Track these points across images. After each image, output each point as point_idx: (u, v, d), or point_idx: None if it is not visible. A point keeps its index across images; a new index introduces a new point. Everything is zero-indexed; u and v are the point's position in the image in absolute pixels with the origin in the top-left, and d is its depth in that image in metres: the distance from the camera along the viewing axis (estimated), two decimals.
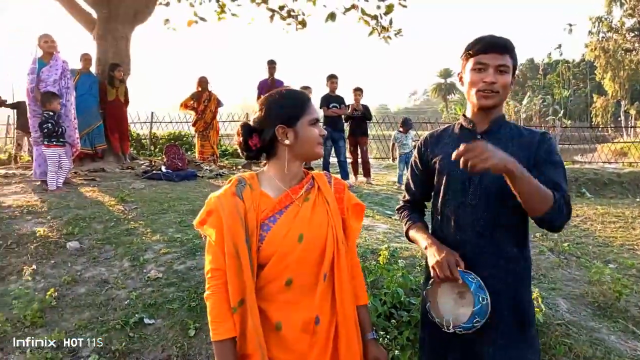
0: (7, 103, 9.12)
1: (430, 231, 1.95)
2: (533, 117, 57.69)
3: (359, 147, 8.92)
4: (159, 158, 9.81)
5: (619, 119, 48.10)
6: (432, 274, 1.73)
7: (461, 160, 1.50)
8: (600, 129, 33.74)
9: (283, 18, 10.98)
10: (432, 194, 1.95)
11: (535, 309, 3.01)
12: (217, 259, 1.55)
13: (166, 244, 4.18)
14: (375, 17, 10.52)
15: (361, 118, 8.80)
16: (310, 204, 1.63)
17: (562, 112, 57.06)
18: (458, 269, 1.68)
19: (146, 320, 3.20)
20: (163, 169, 7.38)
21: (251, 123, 1.66)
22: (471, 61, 1.77)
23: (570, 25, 59.51)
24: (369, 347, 1.73)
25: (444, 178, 1.84)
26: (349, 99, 8.79)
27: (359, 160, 9.02)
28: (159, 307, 3.32)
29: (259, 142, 1.63)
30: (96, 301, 3.42)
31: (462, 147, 1.50)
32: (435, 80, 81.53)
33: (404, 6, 10.22)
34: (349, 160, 8.97)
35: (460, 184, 1.79)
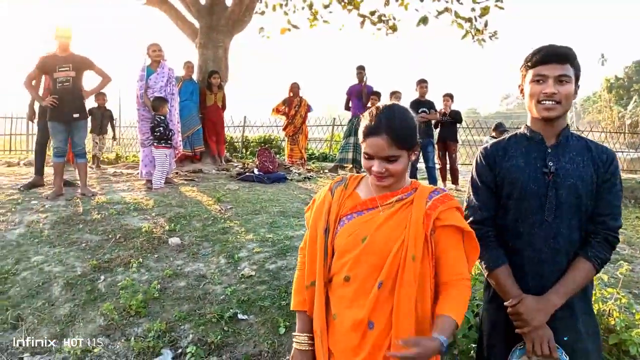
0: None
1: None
2: (639, 123, 52.98)
3: (447, 153, 8.75)
4: (251, 161, 10.21)
5: None
6: (527, 347, 1.70)
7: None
8: None
9: (374, 23, 11.02)
10: (500, 207, 1.86)
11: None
12: (305, 241, 1.80)
13: (259, 244, 4.35)
14: (469, 20, 10.25)
15: (451, 123, 8.64)
16: (390, 212, 1.65)
17: None
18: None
19: (240, 316, 3.34)
20: (255, 171, 7.67)
21: None
22: (530, 73, 1.77)
23: None
24: (424, 339, 1.49)
25: (517, 192, 1.79)
26: (439, 104, 8.67)
27: (447, 167, 8.85)
28: (251, 304, 3.45)
29: None
30: (194, 295, 3.62)
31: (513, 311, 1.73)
32: None
33: (501, 8, 9.86)
34: (437, 167, 8.82)
35: (536, 199, 1.76)
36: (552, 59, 1.71)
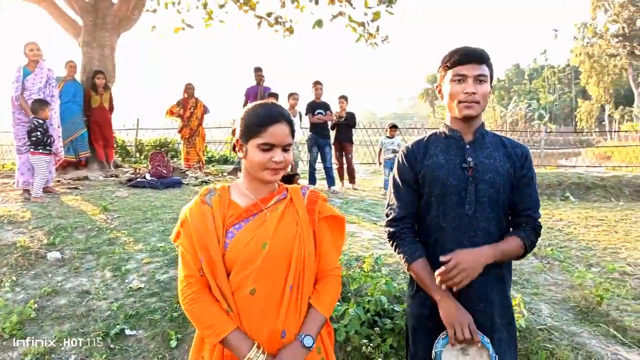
0: None
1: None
2: (519, 121, 58.24)
3: (344, 154, 8.95)
4: (144, 165, 9.75)
5: (603, 123, 48.77)
6: (449, 333, 1.71)
7: (449, 281, 1.69)
8: (584, 133, 34.14)
9: (271, 25, 11.01)
10: (422, 205, 1.90)
11: (517, 315, 3.05)
12: (190, 267, 1.56)
13: (149, 254, 4.15)
14: (362, 24, 10.59)
15: (346, 125, 8.83)
16: (279, 214, 1.62)
17: (547, 116, 57.69)
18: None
19: (127, 332, 3.17)
20: (147, 176, 7.33)
21: None
22: (450, 73, 1.80)
23: (556, 31, 60.46)
24: (287, 345, 1.54)
25: (439, 188, 1.82)
26: (337, 106, 8.84)
27: (345, 167, 9.06)
28: (140, 318, 3.28)
29: (234, 150, 1.70)
30: (77, 312, 3.38)
31: (440, 272, 1.70)
32: (422, 86, 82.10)
33: (391, 13, 10.31)
34: (335, 167, 9.00)
35: (456, 194, 1.80)
36: (471, 59, 1.76)
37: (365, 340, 2.93)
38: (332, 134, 8.93)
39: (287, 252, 1.57)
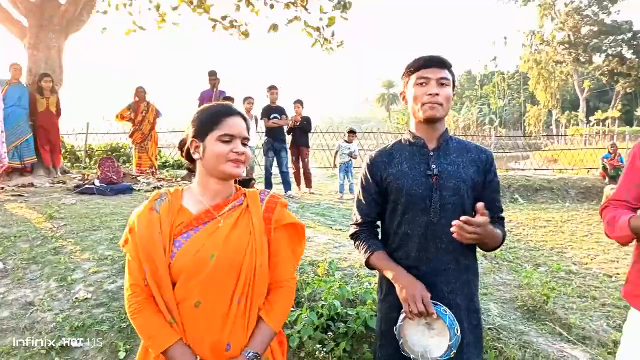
0: None
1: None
2: (471, 126, 59.92)
3: (300, 158, 8.96)
4: (94, 172, 9.45)
5: (551, 127, 50.79)
6: (404, 309, 1.71)
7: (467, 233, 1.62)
8: (533, 137, 35.45)
9: (226, 28, 10.91)
10: (387, 213, 1.91)
11: None
12: (135, 276, 1.52)
13: (96, 263, 4.00)
14: (318, 29, 10.64)
15: (302, 129, 8.85)
16: (232, 222, 1.56)
17: (497, 121, 59.60)
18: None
19: (74, 344, 3.04)
20: (96, 183, 7.09)
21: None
22: (414, 77, 1.84)
23: (506, 38, 62.64)
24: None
25: (403, 197, 1.83)
26: (293, 111, 8.84)
27: (301, 172, 9.07)
28: (87, 330, 3.16)
29: (185, 155, 1.64)
30: (20, 325, 3.22)
31: (473, 221, 1.61)
32: (379, 91, 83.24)
33: (345, 19, 10.42)
34: (291, 172, 8.99)
35: (421, 202, 1.80)
36: (434, 64, 1.81)
37: (319, 346, 2.93)
38: (289, 138, 8.93)
39: (237, 263, 1.51)
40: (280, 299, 1.64)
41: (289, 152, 8.85)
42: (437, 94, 1.78)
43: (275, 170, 8.64)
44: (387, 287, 1.89)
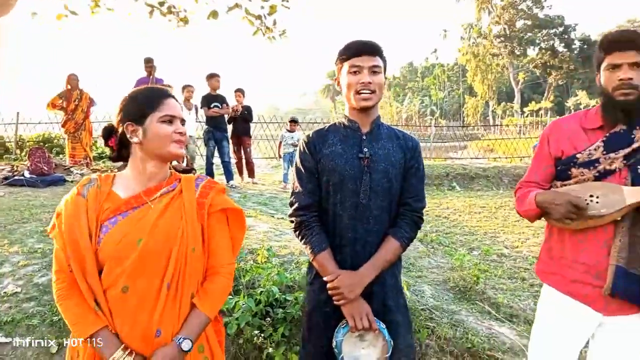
0: None
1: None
2: (413, 117, 61.31)
3: (242, 147, 8.89)
4: (24, 163, 8.98)
5: (488, 118, 52.84)
6: (349, 323, 1.77)
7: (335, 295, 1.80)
8: (470, 127, 36.75)
9: (163, 14, 10.55)
10: (323, 193, 1.94)
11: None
12: (61, 262, 1.50)
13: (25, 256, 3.85)
14: (259, 17, 10.51)
15: (243, 118, 8.76)
16: (161, 207, 1.55)
17: (438, 112, 61.29)
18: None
19: (2, 340, 2.93)
20: (26, 174, 6.77)
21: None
22: (346, 65, 1.89)
23: (445, 31, 64.26)
24: (163, 347, 1.50)
25: (336, 177, 1.88)
26: (234, 99, 8.73)
27: (243, 161, 9.00)
28: (17, 324, 3.04)
29: (116, 142, 1.61)
30: None
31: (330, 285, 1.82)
32: (323, 82, 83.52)
33: (287, 7, 10.33)
34: (233, 161, 8.90)
35: (353, 183, 1.86)
36: (364, 52, 1.85)
37: (257, 332, 2.96)
38: (230, 127, 8.82)
39: (166, 249, 1.51)
40: (215, 285, 1.63)
41: (230, 141, 8.74)
42: (370, 82, 1.84)
43: (216, 160, 8.52)
44: (316, 272, 1.95)
